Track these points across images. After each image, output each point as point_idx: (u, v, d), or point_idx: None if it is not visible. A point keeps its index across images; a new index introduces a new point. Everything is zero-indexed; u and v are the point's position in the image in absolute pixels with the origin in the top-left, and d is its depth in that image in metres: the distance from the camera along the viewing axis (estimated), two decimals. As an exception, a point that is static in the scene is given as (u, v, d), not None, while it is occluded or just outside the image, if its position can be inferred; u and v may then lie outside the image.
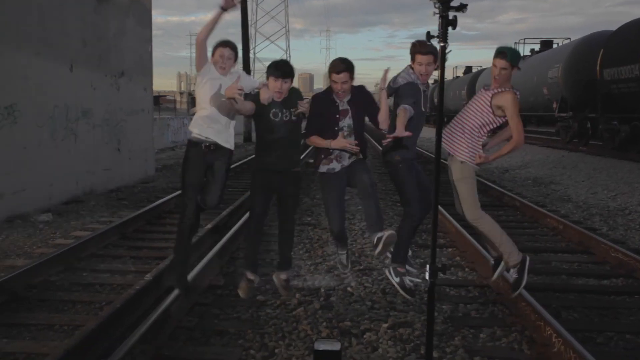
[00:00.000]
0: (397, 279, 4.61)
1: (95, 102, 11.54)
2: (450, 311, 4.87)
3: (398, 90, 4.37)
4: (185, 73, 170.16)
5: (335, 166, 4.47)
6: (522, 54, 26.29)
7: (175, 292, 4.79)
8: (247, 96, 4.43)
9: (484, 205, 4.97)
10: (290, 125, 4.43)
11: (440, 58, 2.12)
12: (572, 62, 19.29)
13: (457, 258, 6.59)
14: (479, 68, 36.90)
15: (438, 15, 1.95)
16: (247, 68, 28.10)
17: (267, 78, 4.39)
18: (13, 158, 8.91)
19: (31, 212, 9.03)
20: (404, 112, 4.15)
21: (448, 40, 2.35)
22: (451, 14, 2.08)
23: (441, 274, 2.91)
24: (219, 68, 4.49)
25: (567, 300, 5.22)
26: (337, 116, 4.42)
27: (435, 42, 2.39)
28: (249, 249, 4.75)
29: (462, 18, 2.51)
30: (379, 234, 4.41)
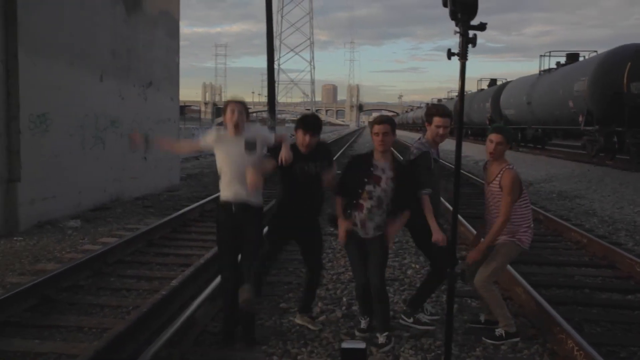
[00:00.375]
0: (411, 320, 4.76)
1: (123, 112, 11.80)
2: (471, 322, 4.89)
3: (414, 164, 4.45)
4: (210, 83, 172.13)
5: (357, 230, 4.37)
6: (548, 67, 26.19)
7: (200, 298, 4.91)
8: (270, 150, 4.43)
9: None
10: (313, 177, 4.44)
11: (460, 74, 2.19)
12: (598, 75, 19.12)
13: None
14: (504, 80, 36.71)
15: (459, 34, 2.03)
16: (271, 78, 28.36)
17: (295, 130, 4.48)
18: (44, 165, 9.16)
19: (60, 218, 9.26)
20: (427, 199, 4.35)
21: (469, 56, 2.43)
22: (471, 33, 2.15)
23: (460, 280, 2.96)
24: (232, 127, 4.34)
25: (590, 314, 5.20)
26: (366, 179, 4.28)
27: (455, 59, 2.47)
28: (256, 279, 4.31)
29: (487, 30, 2.56)
30: (378, 336, 4.38)
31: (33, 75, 8.77)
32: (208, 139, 4.51)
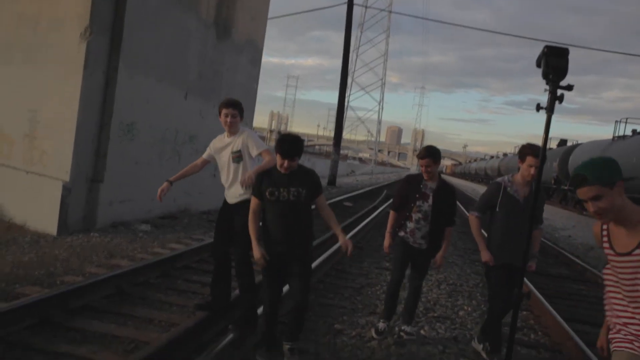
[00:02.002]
0: (481, 346, 5.12)
1: (201, 129, 12.45)
2: (519, 368, 5.00)
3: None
4: (277, 112, 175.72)
5: (407, 238, 5.14)
6: (623, 133, 25.68)
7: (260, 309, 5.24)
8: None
9: (568, 278, 5.09)
10: (291, 205, 4.21)
11: (545, 126, 2.46)
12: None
13: (531, 321, 6.65)
14: (575, 142, 36.08)
15: (548, 91, 2.31)
16: (340, 113, 28.95)
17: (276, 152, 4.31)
18: (126, 171, 9.81)
19: (132, 221, 9.86)
20: (473, 219, 4.92)
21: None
22: (559, 92, 2.44)
23: (526, 299, 3.17)
24: (227, 129, 5.09)
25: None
26: (417, 195, 5.04)
27: (543, 112, 2.75)
28: (267, 330, 4.45)
29: (563, 90, 2.82)
30: (404, 327, 5.31)
31: (128, 88, 9.50)
32: (208, 150, 5.28)
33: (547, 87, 2.23)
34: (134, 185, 10.09)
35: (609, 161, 2.52)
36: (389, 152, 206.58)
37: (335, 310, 6.08)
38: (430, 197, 5.00)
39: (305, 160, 38.35)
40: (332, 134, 30.61)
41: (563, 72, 2.20)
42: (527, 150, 4.66)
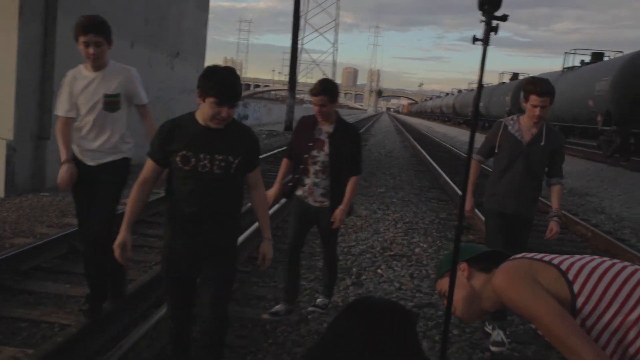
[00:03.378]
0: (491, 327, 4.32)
1: (150, 79, 12.11)
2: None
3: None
4: (231, 58, 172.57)
5: (305, 197, 4.30)
6: (572, 65, 26.12)
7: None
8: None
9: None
10: (214, 180, 2.85)
11: (481, 59, 2.43)
12: (621, 76, 19.11)
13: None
14: (527, 75, 36.59)
15: (484, 22, 2.28)
16: (294, 57, 28.53)
17: (201, 96, 2.81)
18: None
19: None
20: (474, 163, 4.26)
21: (493, 44, 2.69)
22: (494, 22, 2.42)
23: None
24: (90, 61, 3.73)
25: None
26: (310, 144, 4.19)
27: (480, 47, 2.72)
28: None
29: (515, 24, 2.77)
30: (318, 300, 4.58)
31: (68, 37, 9.06)
32: (68, 100, 3.85)
33: (483, 18, 2.20)
34: (83, 141, 9.80)
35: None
36: (345, 95, 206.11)
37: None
38: (327, 145, 4.15)
39: (261, 107, 37.89)
40: (288, 79, 30.23)
41: (498, 2, 2.17)
42: (529, 87, 4.01)
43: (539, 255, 1.92)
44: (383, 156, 18.85)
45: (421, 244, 6.96)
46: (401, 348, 1.65)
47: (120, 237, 2.94)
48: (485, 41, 2.61)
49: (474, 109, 3.45)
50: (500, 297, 1.88)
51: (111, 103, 3.81)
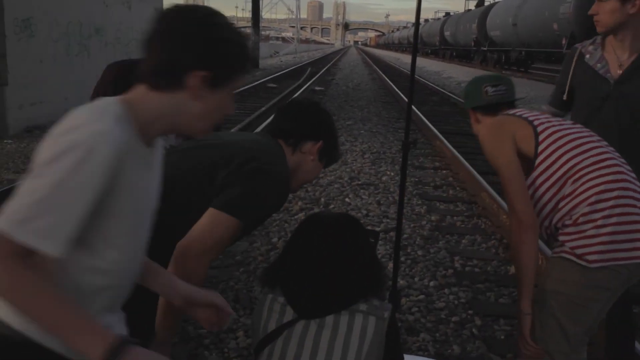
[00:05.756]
0: None
1: (107, 20, 11.76)
2: (437, 221, 5.35)
3: None
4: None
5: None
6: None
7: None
8: None
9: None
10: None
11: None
12: (584, -3, 19.09)
13: (450, 179, 7.04)
14: (492, 1, 36.30)
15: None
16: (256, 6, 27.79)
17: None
18: (31, 71, 9.27)
19: (48, 124, 9.41)
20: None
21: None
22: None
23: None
24: None
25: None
26: None
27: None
28: None
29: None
30: None
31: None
32: None
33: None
34: (43, 86, 9.60)
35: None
36: (312, 29, 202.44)
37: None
38: None
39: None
40: (251, 15, 29.56)
41: None
42: None
43: (530, 114, 2.21)
44: (351, 89, 18.80)
45: (388, 172, 7.11)
46: (357, 255, 1.76)
47: None
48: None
49: (414, 44, 3.40)
50: (481, 145, 2.26)
51: None
